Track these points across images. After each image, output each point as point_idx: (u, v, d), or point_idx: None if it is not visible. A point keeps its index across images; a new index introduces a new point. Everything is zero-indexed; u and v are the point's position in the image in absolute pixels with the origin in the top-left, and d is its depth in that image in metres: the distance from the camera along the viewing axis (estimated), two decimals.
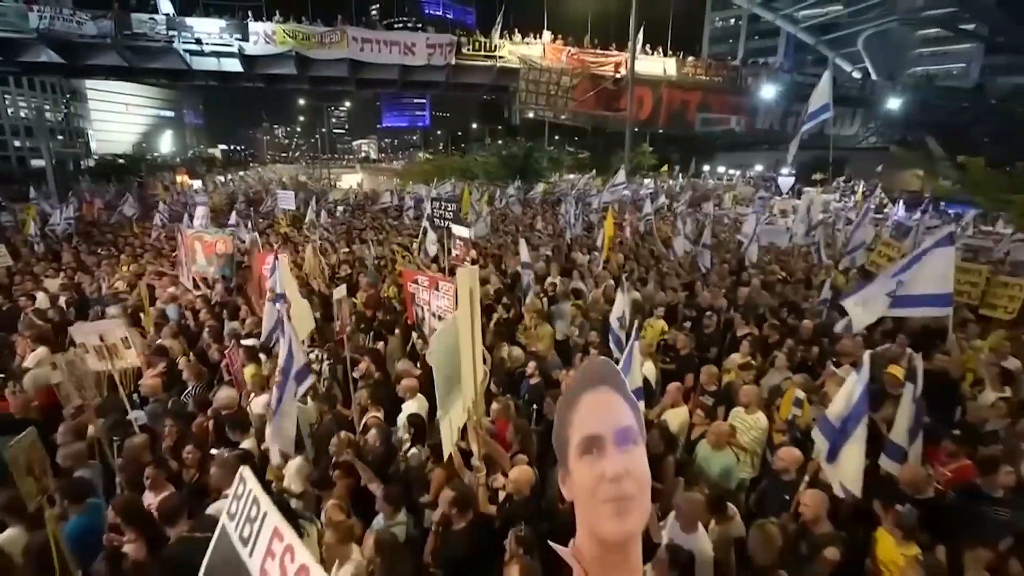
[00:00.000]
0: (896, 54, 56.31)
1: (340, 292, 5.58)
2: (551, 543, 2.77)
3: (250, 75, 29.15)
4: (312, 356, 5.79)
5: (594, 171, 36.81)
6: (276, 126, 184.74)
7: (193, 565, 2.72)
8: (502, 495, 3.81)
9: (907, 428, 3.90)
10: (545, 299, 7.99)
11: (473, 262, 9.12)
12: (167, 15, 26.24)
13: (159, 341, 6.56)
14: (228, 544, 1.68)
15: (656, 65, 33.30)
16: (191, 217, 15.76)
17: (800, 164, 27.58)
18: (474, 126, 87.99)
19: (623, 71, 29.80)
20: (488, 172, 35.68)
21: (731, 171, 50.87)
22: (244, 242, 11.77)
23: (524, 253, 8.41)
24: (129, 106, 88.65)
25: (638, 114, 31.49)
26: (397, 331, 7.18)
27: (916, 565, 2.78)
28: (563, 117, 35.39)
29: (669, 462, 4.25)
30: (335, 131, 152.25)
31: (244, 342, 6.10)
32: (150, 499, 3.75)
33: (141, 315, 7.43)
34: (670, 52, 34.55)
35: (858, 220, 11.90)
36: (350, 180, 46.37)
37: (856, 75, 48.48)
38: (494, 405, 4.63)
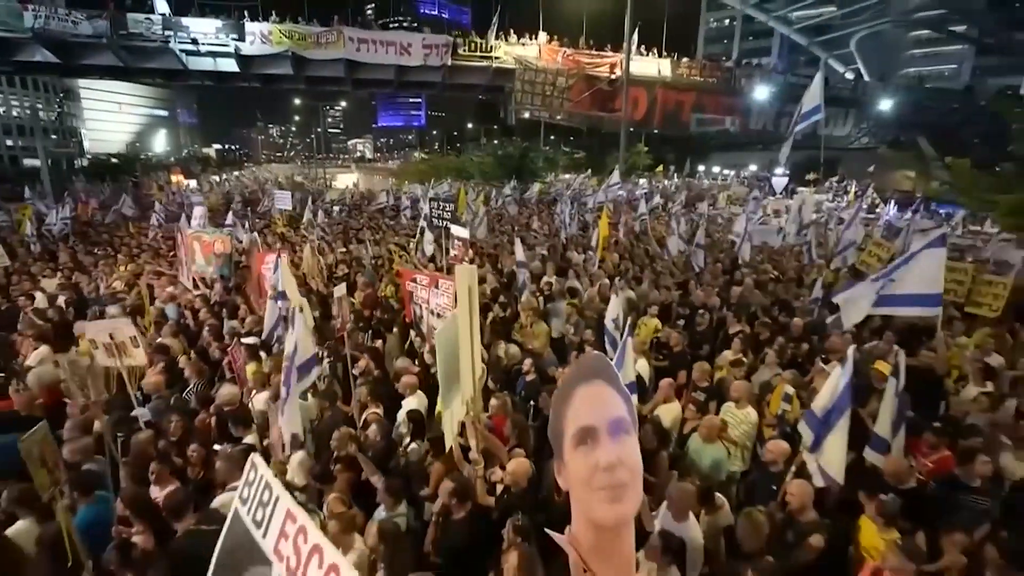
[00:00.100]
0: (888, 55, 56.80)
1: (340, 290, 5.68)
2: (548, 531, 2.94)
3: (246, 75, 29.16)
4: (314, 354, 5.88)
5: (589, 171, 37.00)
6: (271, 125, 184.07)
7: (200, 558, 2.83)
8: (499, 488, 3.93)
9: (891, 421, 4.04)
10: (541, 298, 8.12)
11: (471, 262, 9.23)
12: (163, 15, 26.19)
13: (159, 340, 6.65)
14: (242, 527, 1.76)
15: (651, 66, 33.52)
16: (188, 217, 15.83)
17: (794, 164, 27.84)
18: (470, 126, 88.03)
19: (618, 72, 29.98)
20: (484, 172, 35.79)
21: (726, 171, 51.19)
22: (241, 242, 11.83)
23: (520, 252, 8.53)
24: (123, 105, 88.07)
25: (633, 115, 31.73)
26: (395, 329, 7.29)
27: (895, 548, 2.91)
28: (559, 117, 35.60)
29: (663, 456, 4.38)
30: (330, 130, 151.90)
31: (244, 340, 6.18)
32: (155, 493, 3.84)
33: (140, 315, 7.51)
34: (665, 53, 34.78)
35: (849, 220, 12.10)
36: (346, 180, 46.33)
37: (849, 76, 48.86)
38: (492, 401, 4.74)
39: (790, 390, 4.94)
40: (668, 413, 4.91)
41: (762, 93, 35.81)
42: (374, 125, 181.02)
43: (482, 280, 8.40)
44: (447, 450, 4.21)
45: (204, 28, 26.72)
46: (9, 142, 58.26)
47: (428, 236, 11.31)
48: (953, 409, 5.01)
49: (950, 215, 18.13)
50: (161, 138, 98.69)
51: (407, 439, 4.62)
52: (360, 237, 13.78)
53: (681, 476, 4.12)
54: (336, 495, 3.77)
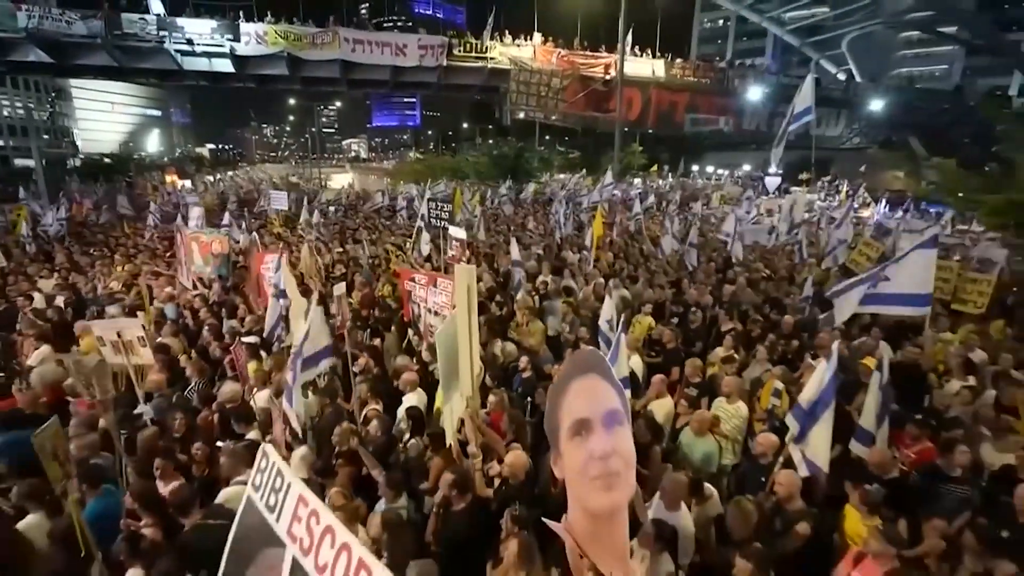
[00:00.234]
0: (880, 56, 57.29)
1: (339, 289, 5.78)
2: (545, 520, 3.09)
3: (242, 75, 29.10)
4: None
5: (584, 171, 37.17)
6: (265, 125, 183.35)
7: (207, 551, 2.95)
8: (497, 481, 4.05)
9: (875, 414, 4.19)
10: (536, 297, 8.24)
11: (468, 261, 9.34)
12: (158, 15, 26.12)
13: (159, 339, 6.72)
14: (255, 512, 1.86)
15: (645, 67, 33.70)
16: (184, 217, 15.85)
17: (787, 164, 28.11)
18: (465, 126, 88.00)
19: (613, 72, 30.14)
20: (479, 172, 35.88)
21: (720, 171, 51.51)
22: (238, 242, 11.89)
23: (515, 252, 8.64)
24: (115, 105, 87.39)
25: (627, 115, 31.87)
26: (393, 328, 7.39)
27: (876, 533, 3.05)
28: (553, 118, 35.74)
29: (656, 451, 4.50)
30: (325, 130, 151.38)
31: (245, 339, 6.26)
32: (160, 488, 3.94)
33: (139, 314, 7.56)
34: (659, 54, 34.98)
35: (840, 219, 12.30)
36: (341, 180, 46.33)
37: (841, 77, 49.26)
38: (490, 397, 4.84)
39: (779, 385, 5.09)
40: (661, 408, 5.04)
41: (755, 94, 36.08)
42: (369, 125, 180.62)
43: (478, 279, 8.51)
44: (447, 445, 4.33)
45: (199, 28, 26.66)
46: (0, 142, 57.82)
47: (424, 236, 11.41)
48: (936, 402, 5.16)
49: (940, 214, 18.38)
50: (154, 138, 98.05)
51: (407, 435, 4.72)
52: (357, 237, 13.85)
53: (674, 469, 4.25)
54: (338, 489, 3.87)
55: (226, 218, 14.84)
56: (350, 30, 29.06)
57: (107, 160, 53.25)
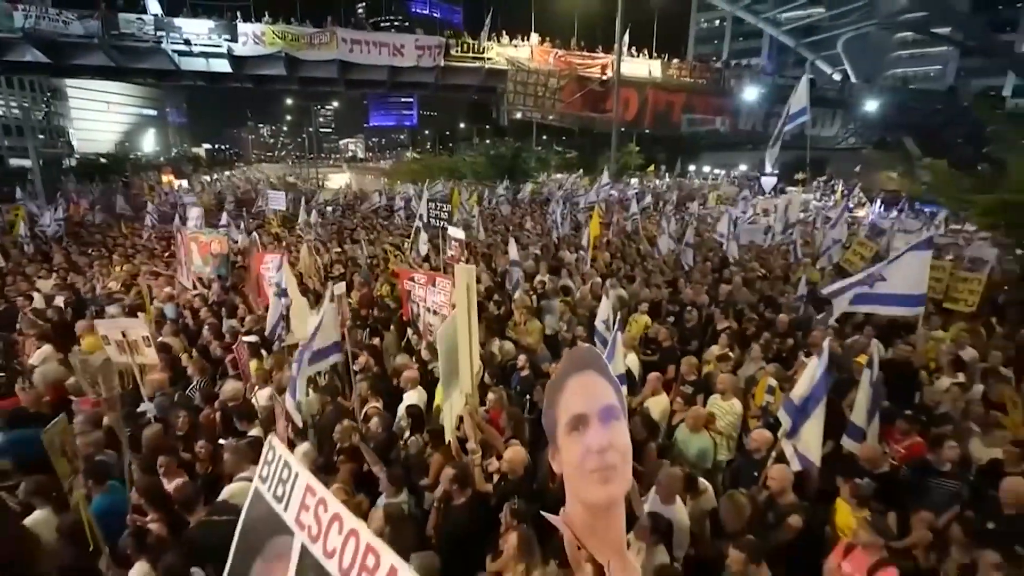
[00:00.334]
0: (875, 57, 57.59)
1: (339, 289, 5.84)
2: (544, 514, 3.19)
3: (239, 76, 29.09)
4: None
5: (581, 171, 37.27)
6: (261, 125, 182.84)
7: (213, 547, 3.01)
8: (496, 477, 4.12)
9: (866, 410, 4.28)
10: (534, 296, 8.31)
11: (466, 261, 9.40)
12: (155, 15, 26.10)
13: (160, 339, 6.76)
14: (263, 503, 1.91)
15: (641, 67, 33.82)
16: (181, 217, 15.87)
17: (783, 164, 28.26)
18: (462, 126, 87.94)
19: (609, 73, 30.24)
20: (477, 172, 35.94)
21: (716, 171, 51.70)
22: (236, 242, 11.94)
23: (514, 252, 8.71)
24: (111, 104, 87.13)
25: (624, 115, 31.97)
26: (392, 327, 7.46)
27: (865, 524, 3.14)
28: (551, 118, 35.82)
29: (651, 447, 4.58)
30: (321, 130, 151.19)
31: (246, 339, 6.32)
32: (164, 485, 4.00)
33: (139, 314, 7.60)
34: (655, 54, 35.11)
35: (835, 219, 12.40)
36: (338, 180, 46.31)
37: (836, 77, 49.51)
38: (489, 395, 4.92)
39: (773, 383, 5.17)
40: (657, 405, 5.13)
41: (751, 94, 36.25)
42: (365, 125, 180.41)
43: (477, 280, 8.57)
44: (446, 442, 4.41)
45: (196, 29, 26.65)
46: None
47: (423, 236, 11.48)
48: (927, 399, 5.26)
49: (934, 214, 18.53)
50: (150, 138, 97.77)
51: (407, 432, 4.79)
52: (355, 237, 13.90)
53: (670, 465, 4.33)
54: (339, 485, 3.95)
55: (224, 218, 14.87)
56: (348, 30, 29.09)
57: (103, 160, 53.11)
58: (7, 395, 6.19)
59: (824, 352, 3.88)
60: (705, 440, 4.64)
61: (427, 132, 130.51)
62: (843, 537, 3.52)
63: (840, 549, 3.36)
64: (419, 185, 28.69)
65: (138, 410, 5.07)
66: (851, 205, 21.43)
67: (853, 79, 49.48)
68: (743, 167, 48.73)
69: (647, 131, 39.05)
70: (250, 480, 3.92)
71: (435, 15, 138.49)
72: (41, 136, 60.46)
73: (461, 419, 4.30)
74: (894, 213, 20.68)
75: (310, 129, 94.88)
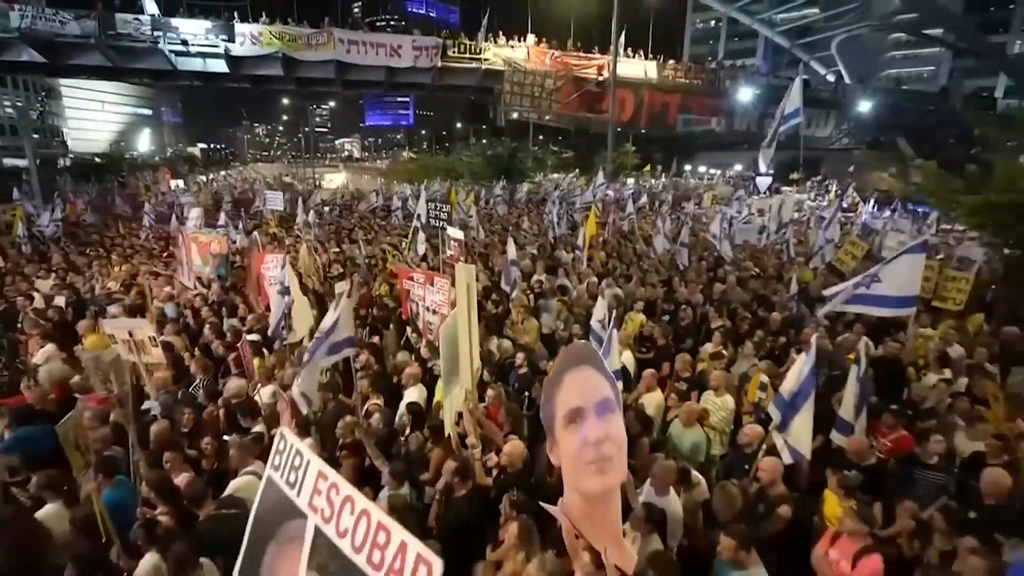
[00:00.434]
0: (869, 58, 58.00)
1: (342, 287, 5.95)
2: (543, 504, 3.33)
3: (236, 76, 29.10)
4: None
5: (577, 171, 37.41)
6: (257, 124, 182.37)
7: (222, 540, 3.12)
8: (495, 472, 4.24)
9: (854, 405, 4.42)
10: (531, 295, 8.43)
11: (465, 261, 9.51)
12: (152, 16, 26.08)
13: (162, 338, 6.84)
14: (275, 489, 1.99)
15: (637, 68, 34.00)
16: (179, 217, 15.92)
17: (778, 164, 28.42)
18: (459, 126, 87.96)
19: (606, 74, 30.39)
20: (473, 172, 36.04)
21: (712, 171, 51.96)
22: (235, 243, 12.01)
23: (512, 251, 8.82)
24: (105, 104, 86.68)
25: (620, 116, 32.16)
26: (391, 326, 7.57)
27: (851, 512, 3.27)
28: (547, 118, 35.98)
29: (644, 442, 4.70)
30: (317, 130, 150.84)
31: (250, 338, 6.42)
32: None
33: (139, 314, 7.68)
34: (651, 55, 35.29)
35: (828, 219, 12.55)
36: (334, 179, 46.29)
37: (831, 78, 49.84)
38: (489, 392, 5.03)
39: (765, 379, 5.31)
40: (651, 401, 5.25)
41: (746, 95, 36.48)
42: (362, 124, 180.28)
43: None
44: (446, 437, 4.52)
45: (194, 29, 26.65)
46: None
47: (420, 236, 11.58)
48: (914, 394, 5.40)
49: (926, 214, 18.72)
50: (145, 137, 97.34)
51: (408, 429, 4.90)
52: (353, 237, 13.98)
53: (664, 458, 4.45)
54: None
55: (222, 218, 14.93)
56: (345, 31, 29.14)
57: (98, 160, 52.91)
58: (10, 394, 6.29)
59: (812, 348, 4.01)
60: (698, 434, 4.77)
61: (423, 132, 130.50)
62: (830, 526, 3.65)
63: (827, 537, 3.49)
64: (416, 185, 28.79)
65: (143, 407, 5.15)
66: (844, 205, 21.61)
67: (847, 80, 49.85)
68: (738, 167, 48.95)
69: (643, 131, 39.24)
70: (255, 474, 4.06)
71: (431, 15, 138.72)
72: (36, 136, 60.10)
73: (460, 415, 4.42)
74: (887, 213, 20.87)
75: (306, 129, 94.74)
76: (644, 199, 22.43)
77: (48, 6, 24.77)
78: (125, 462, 4.31)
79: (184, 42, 26.34)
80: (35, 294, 8.80)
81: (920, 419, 4.77)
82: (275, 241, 13.51)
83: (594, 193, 19.87)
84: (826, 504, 3.83)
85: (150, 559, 3.18)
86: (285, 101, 72.94)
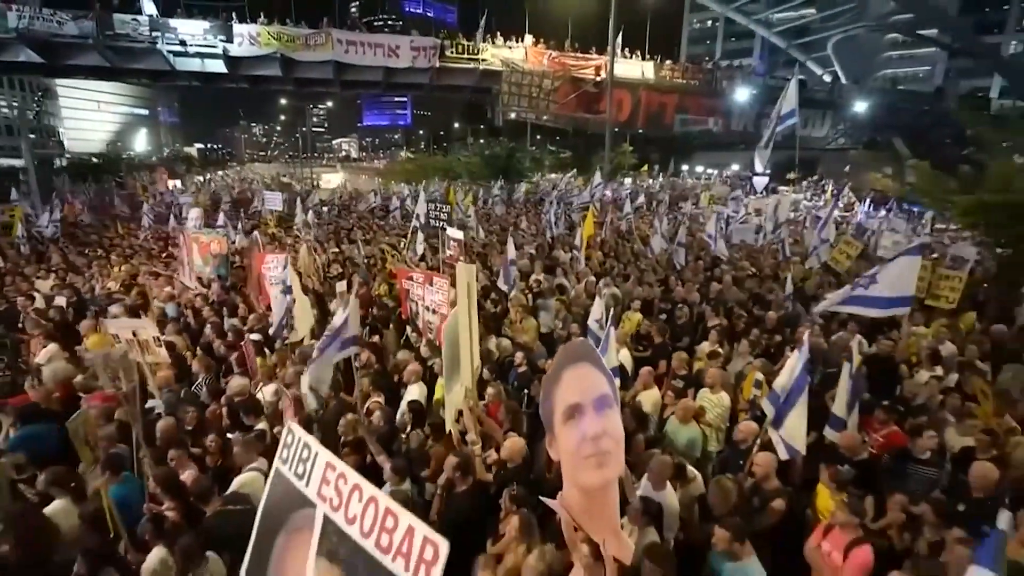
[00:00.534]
0: (865, 58, 58.27)
1: (343, 287, 6.02)
2: (543, 498, 3.43)
3: (234, 76, 29.11)
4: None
5: (575, 170, 37.49)
6: (254, 124, 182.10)
7: (229, 535, 3.19)
8: (495, 468, 4.32)
9: (846, 401, 4.51)
10: (530, 295, 8.51)
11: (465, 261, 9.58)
12: (150, 16, 26.08)
13: (164, 337, 6.90)
14: (284, 481, 2.04)
15: (635, 68, 34.12)
16: (176, 217, 15.96)
17: (774, 164, 28.60)
18: (456, 125, 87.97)
19: (603, 74, 30.49)
20: (471, 172, 36.10)
21: (709, 170, 52.15)
22: (234, 243, 12.07)
23: (511, 251, 8.89)
24: (101, 104, 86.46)
25: (617, 116, 32.27)
26: (391, 326, 7.64)
27: (842, 505, 3.36)
28: (545, 119, 36.06)
29: (639, 439, 4.78)
30: (314, 129, 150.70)
31: (252, 337, 6.49)
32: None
33: (141, 313, 7.73)
34: (648, 56, 35.41)
35: (824, 219, 12.65)
36: (332, 179, 46.31)
37: (827, 79, 50.07)
38: (488, 390, 5.11)
39: (760, 377, 5.40)
40: (648, 399, 5.33)
41: (743, 95, 36.63)
42: (359, 124, 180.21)
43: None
44: (447, 433, 4.60)
45: (192, 29, 26.65)
46: None
47: (419, 236, 11.66)
48: (906, 391, 5.50)
49: (921, 214, 18.85)
50: (142, 137, 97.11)
51: (409, 426, 4.98)
52: (352, 237, 14.04)
53: (661, 454, 4.53)
54: None
55: (221, 218, 14.98)
56: (343, 31, 29.19)
57: (95, 160, 52.79)
58: (12, 393, 6.34)
59: (804, 345, 4.09)
60: (694, 430, 4.85)
61: (421, 132, 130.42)
62: (823, 519, 3.74)
63: (820, 530, 3.57)
64: (414, 185, 28.83)
65: (146, 406, 5.21)
66: (840, 204, 21.76)
67: (843, 80, 50.08)
68: (735, 167, 49.15)
69: (640, 131, 39.36)
70: (259, 470, 4.13)
71: (429, 14, 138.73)
72: (32, 136, 59.99)
73: (460, 412, 4.50)
74: (882, 213, 21.02)
75: (303, 129, 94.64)
76: (641, 199, 22.54)
77: (46, 6, 24.75)
78: (129, 459, 4.38)
79: (182, 42, 26.35)
80: (35, 294, 8.84)
81: (911, 415, 4.85)
82: (274, 241, 13.56)
83: (592, 193, 19.96)
84: (819, 498, 3.92)
85: (158, 553, 3.25)
86: (283, 101, 72.90)
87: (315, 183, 41.91)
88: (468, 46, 30.96)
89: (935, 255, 9.72)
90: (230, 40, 27.10)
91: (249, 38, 27.24)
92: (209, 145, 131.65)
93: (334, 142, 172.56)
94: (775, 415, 4.03)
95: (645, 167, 44.07)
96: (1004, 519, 1.74)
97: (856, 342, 4.73)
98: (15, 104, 56.32)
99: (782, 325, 7.34)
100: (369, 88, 37.05)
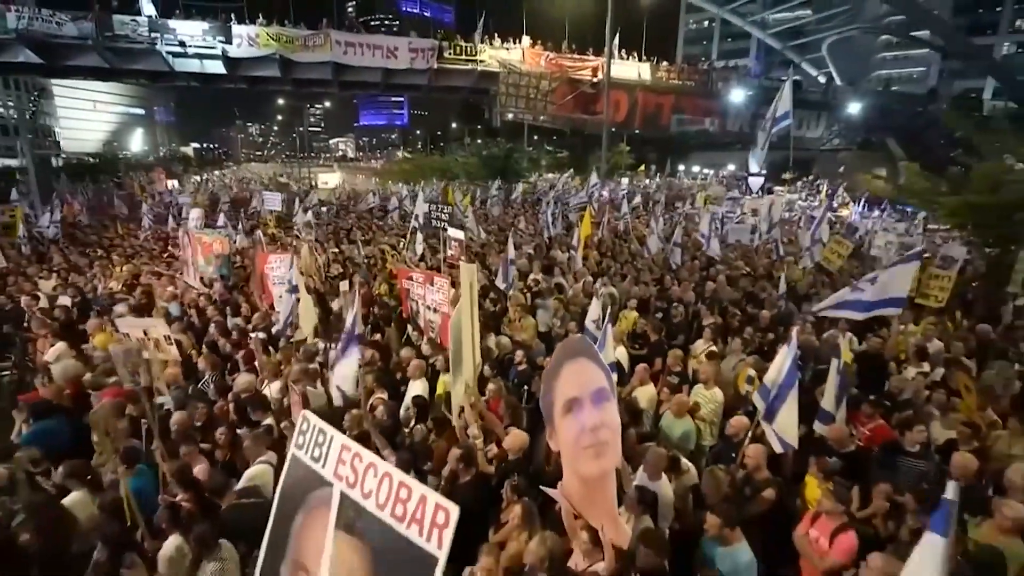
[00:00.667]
0: (859, 59, 58.72)
1: (346, 286, 6.16)
2: (543, 488, 3.66)
3: (233, 77, 29.14)
4: (320, 346, 6.36)
5: (572, 170, 37.67)
6: (250, 124, 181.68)
7: (244, 528, 3.34)
8: (495, 462, 4.47)
9: (835, 396, 4.68)
10: (528, 294, 8.65)
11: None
12: (149, 17, 26.12)
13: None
14: (301, 465, 2.15)
15: (631, 70, 34.30)
16: (175, 217, 16.05)
17: (770, 164, 28.89)
18: (454, 125, 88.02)
19: (600, 75, 30.66)
20: (469, 172, 36.23)
21: (706, 170, 52.44)
22: (235, 243, 12.17)
23: (511, 251, 9.03)
24: (97, 103, 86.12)
25: (614, 117, 32.42)
26: (392, 324, 7.78)
27: (828, 493, 3.53)
28: (542, 119, 36.20)
29: (631, 433, 4.92)
30: (311, 129, 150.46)
31: (259, 335, 6.62)
32: None
33: (144, 313, 7.85)
34: (644, 57, 35.61)
35: (818, 219, 12.84)
36: (329, 179, 46.31)
37: (822, 80, 50.41)
38: (489, 386, 5.25)
39: (752, 373, 5.56)
40: (644, 394, 5.49)
41: (738, 96, 36.88)
42: (356, 124, 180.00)
43: None
44: (450, 428, 4.75)
45: (191, 30, 26.70)
46: None
47: (419, 236, 11.80)
48: (893, 387, 5.67)
49: (915, 214, 19.10)
50: (137, 137, 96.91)
51: (412, 421, 5.12)
52: (352, 237, 14.16)
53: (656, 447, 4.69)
54: None
55: (221, 219, 15.08)
56: (342, 33, 29.27)
57: (92, 160, 52.69)
58: (19, 390, 6.47)
59: (792, 341, 4.26)
60: (688, 424, 5.02)
61: (418, 132, 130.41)
62: (811, 508, 3.90)
63: (808, 518, 3.74)
64: (412, 185, 28.92)
65: (155, 402, 5.34)
66: (835, 205, 22.00)
67: (838, 81, 50.42)
68: (731, 167, 49.46)
69: (637, 132, 39.57)
70: (269, 463, 4.27)
71: (426, 14, 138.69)
72: (29, 136, 59.78)
73: (462, 408, 4.65)
74: (876, 213, 21.29)
75: (300, 128, 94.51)
76: (638, 199, 22.72)
77: (45, 7, 24.77)
78: (142, 452, 4.51)
79: (181, 43, 26.38)
80: (40, 294, 8.93)
81: (897, 410, 5.03)
82: (274, 242, 13.67)
83: (589, 193, 20.12)
84: (808, 488, 4.09)
85: (174, 540, 3.40)
86: (279, 101, 72.79)
87: (312, 183, 41.90)
88: (466, 47, 31.08)
89: (926, 254, 9.91)
90: (229, 41, 27.14)
91: (248, 39, 27.30)
92: (205, 145, 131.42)
93: (331, 142, 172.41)
94: (766, 410, 4.20)
95: (642, 167, 44.34)
96: (951, 490, 1.93)
97: (846, 339, 4.88)
98: (10, 104, 56.09)
99: (775, 323, 7.50)
100: (367, 89, 37.13)
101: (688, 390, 5.65)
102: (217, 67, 27.99)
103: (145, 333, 5.03)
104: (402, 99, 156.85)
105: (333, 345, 6.57)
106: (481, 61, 31.31)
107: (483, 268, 10.41)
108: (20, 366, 7.19)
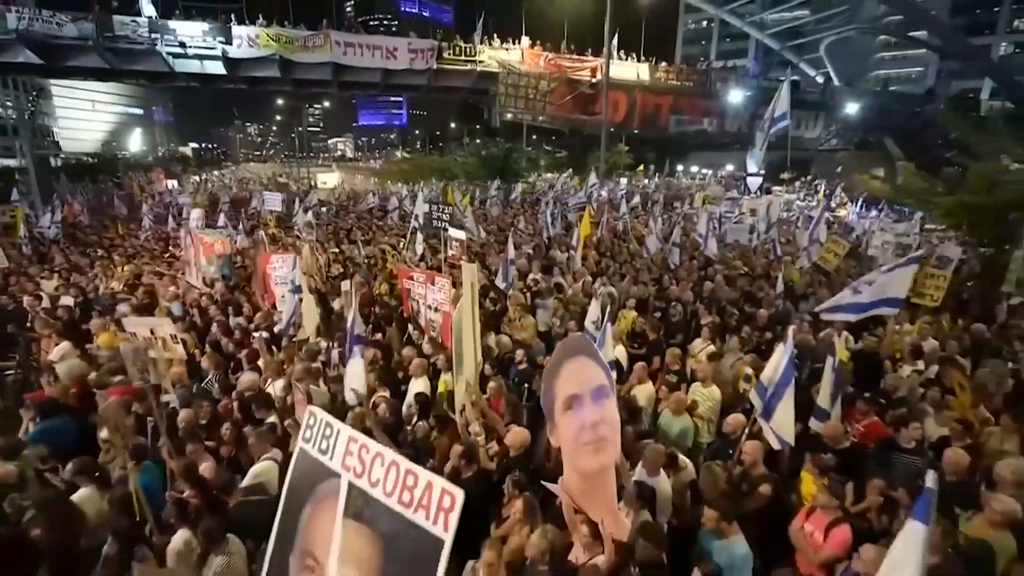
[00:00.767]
0: (857, 59, 58.86)
1: (347, 285, 6.23)
2: (544, 483, 3.75)
3: (233, 77, 29.19)
4: (322, 345, 6.43)
5: (571, 170, 37.72)
6: (249, 124, 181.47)
7: (251, 524, 3.40)
8: (496, 459, 4.54)
9: (830, 393, 4.76)
10: (528, 294, 8.72)
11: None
12: (149, 18, 26.17)
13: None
14: (308, 458, 2.19)
15: (630, 70, 34.41)
16: (175, 218, 16.09)
17: (769, 164, 28.99)
18: (453, 125, 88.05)
19: (599, 76, 30.75)
20: (468, 172, 36.27)
21: (704, 171, 52.55)
22: (236, 243, 12.23)
23: (511, 251, 9.09)
24: (96, 103, 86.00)
25: (613, 117, 32.52)
26: (393, 324, 7.84)
27: (823, 488, 3.61)
28: (541, 120, 36.27)
29: (628, 431, 4.99)
30: (310, 129, 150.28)
31: (258, 334, 6.68)
32: None
33: (147, 313, 7.91)
34: (643, 57, 35.71)
35: (816, 219, 12.94)
36: (329, 179, 46.31)
37: (820, 80, 50.53)
38: (490, 384, 5.32)
39: (750, 371, 5.65)
40: (643, 392, 5.57)
41: (736, 97, 36.99)
42: (354, 124, 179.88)
43: None
44: (452, 425, 4.82)
45: (191, 31, 26.78)
46: None
47: (419, 236, 11.86)
48: (888, 385, 5.76)
49: (912, 214, 19.18)
50: (136, 137, 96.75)
51: (415, 418, 5.19)
52: (352, 237, 14.22)
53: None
54: None
55: (221, 219, 15.13)
56: (341, 33, 29.35)
57: (91, 160, 52.64)
58: (24, 389, 6.53)
59: (789, 340, 4.34)
60: (686, 421, 5.10)
61: (417, 132, 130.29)
62: (805, 503, 3.98)
63: (803, 513, 3.82)
64: (411, 185, 28.96)
65: (161, 400, 5.41)
66: (833, 205, 22.11)
67: (836, 81, 50.57)
68: (730, 167, 49.56)
69: (636, 132, 39.65)
70: (273, 459, 4.34)
71: (425, 14, 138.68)
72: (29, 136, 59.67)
73: (463, 406, 4.72)
74: (873, 213, 21.41)
75: (299, 128, 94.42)
76: (637, 199, 22.80)
77: (45, 8, 24.82)
78: (149, 449, 4.58)
79: (182, 44, 26.44)
80: (42, 294, 8.98)
81: (892, 407, 5.10)
82: (275, 242, 13.72)
83: (588, 193, 20.19)
84: (803, 484, 4.16)
85: (182, 535, 3.47)
86: (279, 101, 72.79)
87: (312, 183, 41.92)
88: (465, 48, 31.15)
89: (923, 254, 9.98)
90: (229, 42, 27.21)
91: (248, 40, 27.37)
92: (204, 145, 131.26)
93: (330, 142, 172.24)
94: (763, 407, 4.27)
95: (641, 167, 44.40)
96: (930, 479, 2.01)
97: (842, 338, 4.96)
98: (9, 104, 56.03)
99: (772, 323, 7.57)
100: (367, 89, 37.18)
101: (686, 388, 5.73)
102: (217, 67, 28.06)
103: (152, 332, 5.09)
104: (401, 99, 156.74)
105: (335, 344, 6.67)
106: (480, 61, 31.38)
107: (483, 268, 10.48)
108: (24, 365, 7.24)
